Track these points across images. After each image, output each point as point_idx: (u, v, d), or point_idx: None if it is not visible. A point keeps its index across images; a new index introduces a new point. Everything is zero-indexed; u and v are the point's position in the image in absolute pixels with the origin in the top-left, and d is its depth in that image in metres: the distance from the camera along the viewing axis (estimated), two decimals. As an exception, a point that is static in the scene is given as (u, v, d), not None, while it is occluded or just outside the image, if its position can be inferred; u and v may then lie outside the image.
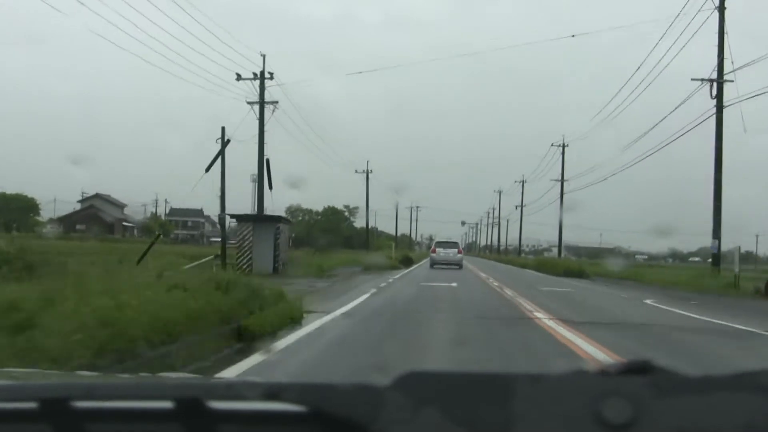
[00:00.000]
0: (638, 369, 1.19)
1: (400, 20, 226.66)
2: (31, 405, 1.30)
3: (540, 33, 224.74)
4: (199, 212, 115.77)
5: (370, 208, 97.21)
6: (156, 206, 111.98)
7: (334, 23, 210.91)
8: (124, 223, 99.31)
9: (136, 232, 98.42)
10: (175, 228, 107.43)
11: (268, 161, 35.74)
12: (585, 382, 1.15)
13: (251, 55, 51.08)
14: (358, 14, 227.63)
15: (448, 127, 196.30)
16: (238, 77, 35.15)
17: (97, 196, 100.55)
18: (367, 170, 73.35)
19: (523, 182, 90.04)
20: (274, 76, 35.55)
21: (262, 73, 35.68)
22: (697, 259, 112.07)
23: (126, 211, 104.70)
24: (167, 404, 1.28)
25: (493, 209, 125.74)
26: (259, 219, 33.92)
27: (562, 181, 63.86)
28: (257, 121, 35.23)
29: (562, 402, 1.10)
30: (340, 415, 1.14)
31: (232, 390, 1.29)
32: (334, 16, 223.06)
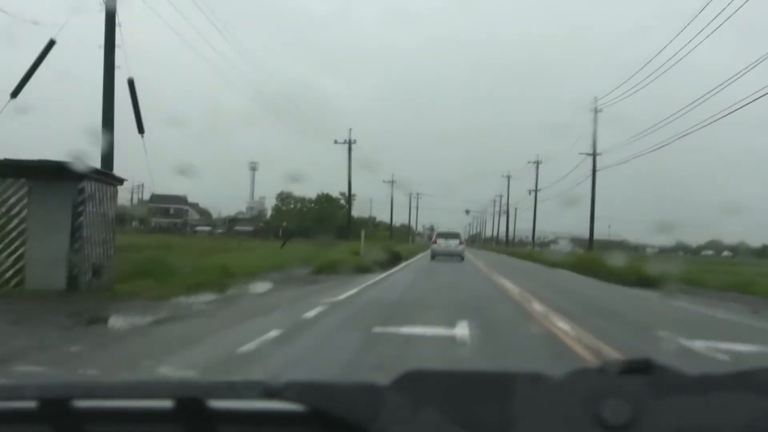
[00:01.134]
0: (638, 368, 1.17)
1: (402, 13, 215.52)
2: (32, 404, 1.29)
3: (541, 25, 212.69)
4: (182, 199, 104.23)
5: (367, 197, 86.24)
6: (132, 192, 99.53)
7: (334, 18, 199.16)
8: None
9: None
10: (153, 215, 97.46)
11: (132, 84, 18.82)
12: (584, 382, 1.14)
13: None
14: (358, 8, 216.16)
15: (452, 117, 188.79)
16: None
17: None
18: (350, 140, 57.58)
19: (537, 163, 75.19)
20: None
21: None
22: (710, 252, 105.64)
23: None
24: (167, 403, 1.27)
25: (501, 197, 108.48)
26: (40, 171, 14.46)
27: (594, 154, 49.04)
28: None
29: (562, 402, 1.09)
30: (340, 415, 1.13)
31: (232, 389, 1.28)
32: (333, 9, 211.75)
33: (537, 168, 74.75)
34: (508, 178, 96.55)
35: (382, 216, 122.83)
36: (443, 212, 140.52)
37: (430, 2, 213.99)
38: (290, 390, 1.19)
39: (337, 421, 1.14)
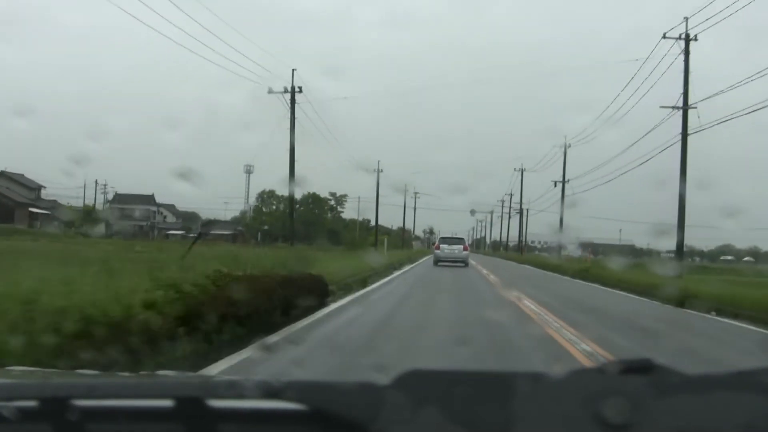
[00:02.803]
0: (638, 368, 1.17)
1: (403, 18, 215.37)
2: (33, 404, 1.31)
3: (542, 30, 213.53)
4: (149, 199, 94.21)
5: (368, 200, 75.33)
6: (85, 189, 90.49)
7: (335, 21, 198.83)
8: (33, 210, 76.95)
9: (57, 223, 73.71)
10: (108, 217, 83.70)
11: None
12: (585, 382, 1.15)
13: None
14: (359, 12, 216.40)
15: (455, 118, 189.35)
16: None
17: (1, 174, 78.77)
18: (292, 87, 37.85)
19: (565, 148, 58.34)
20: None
21: None
22: (729, 257, 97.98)
23: (45, 194, 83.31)
24: (168, 403, 1.28)
25: (511, 195, 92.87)
26: None
27: (686, 107, 30.78)
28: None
29: (562, 401, 1.10)
30: (341, 414, 1.15)
31: (233, 388, 1.29)
32: (333, 12, 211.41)
33: (564, 155, 58.32)
34: (522, 171, 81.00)
35: (382, 218, 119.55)
36: (446, 214, 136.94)
37: (432, 7, 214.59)
38: (291, 390, 1.20)
39: (337, 420, 1.14)
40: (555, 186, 59.81)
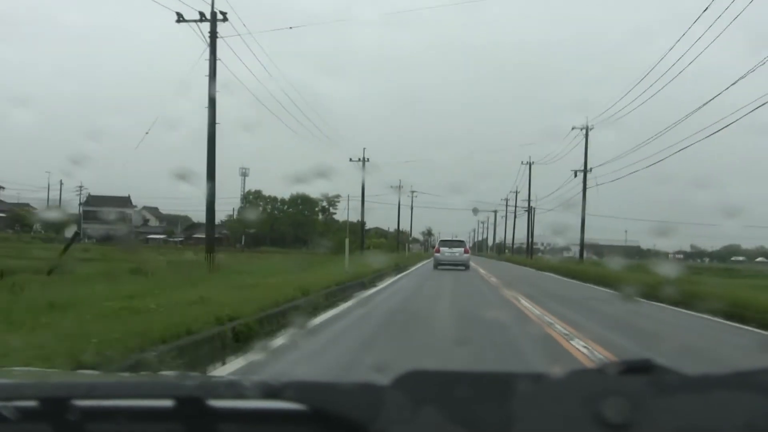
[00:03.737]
0: (638, 368, 1.18)
1: (403, 18, 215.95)
2: (33, 404, 1.30)
3: (542, 29, 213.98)
4: (125, 200, 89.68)
5: (369, 204, 68.25)
6: (49, 190, 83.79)
7: (335, 21, 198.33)
8: (-14, 213, 70.84)
9: (27, 226, 68.77)
10: (77, 221, 72.59)
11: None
12: (585, 382, 1.15)
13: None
14: (359, 12, 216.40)
15: (455, 119, 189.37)
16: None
17: (-50, 175, 75.03)
18: (213, 12, 23.76)
19: (587, 129, 49.93)
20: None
21: None
22: (741, 258, 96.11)
23: (2, 196, 79.63)
24: (168, 403, 1.28)
25: (517, 192, 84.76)
26: None
27: None
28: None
29: (562, 401, 1.10)
30: (340, 414, 1.14)
31: (232, 388, 1.30)
32: (333, 11, 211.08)
33: (586, 137, 49.91)
34: (530, 165, 71.99)
35: (376, 219, 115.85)
36: (445, 214, 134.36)
37: (432, 7, 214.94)
38: (290, 389, 1.20)
39: (337, 420, 1.14)
40: (575, 176, 50.63)
